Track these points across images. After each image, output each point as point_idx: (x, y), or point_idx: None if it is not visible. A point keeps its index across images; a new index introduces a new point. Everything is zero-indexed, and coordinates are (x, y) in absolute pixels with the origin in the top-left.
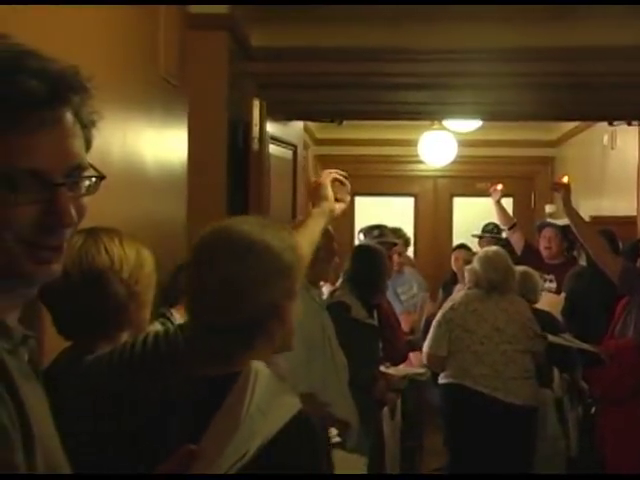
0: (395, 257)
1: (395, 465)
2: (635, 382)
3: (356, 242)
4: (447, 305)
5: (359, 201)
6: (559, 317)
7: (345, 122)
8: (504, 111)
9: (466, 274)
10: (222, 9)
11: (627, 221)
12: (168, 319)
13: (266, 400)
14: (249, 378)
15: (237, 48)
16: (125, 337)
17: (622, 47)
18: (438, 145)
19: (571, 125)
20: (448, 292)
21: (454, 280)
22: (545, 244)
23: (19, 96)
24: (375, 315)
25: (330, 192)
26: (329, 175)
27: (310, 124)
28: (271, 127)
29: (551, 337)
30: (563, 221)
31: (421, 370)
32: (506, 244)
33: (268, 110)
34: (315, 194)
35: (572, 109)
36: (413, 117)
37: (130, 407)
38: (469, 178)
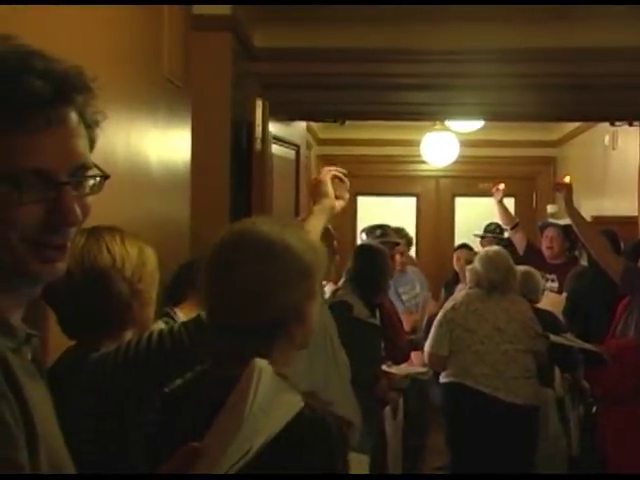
0: (397, 257)
1: (397, 464)
2: (636, 382)
3: (358, 242)
4: (448, 305)
5: (362, 201)
6: (561, 317)
7: (348, 122)
8: (506, 112)
9: (467, 274)
10: (225, 10)
11: (628, 221)
12: (172, 318)
13: (269, 399)
14: (252, 376)
15: (240, 49)
16: (129, 335)
17: (624, 48)
18: (440, 145)
19: (573, 126)
20: (450, 292)
21: (456, 280)
22: (547, 244)
23: (24, 96)
24: (377, 314)
25: (330, 189)
26: (329, 172)
27: (313, 124)
28: (274, 127)
29: (553, 337)
30: (565, 221)
31: (423, 369)
32: (508, 244)
33: (271, 110)
34: (316, 191)
35: (574, 110)
36: (415, 117)
37: (135, 405)
38: (471, 178)
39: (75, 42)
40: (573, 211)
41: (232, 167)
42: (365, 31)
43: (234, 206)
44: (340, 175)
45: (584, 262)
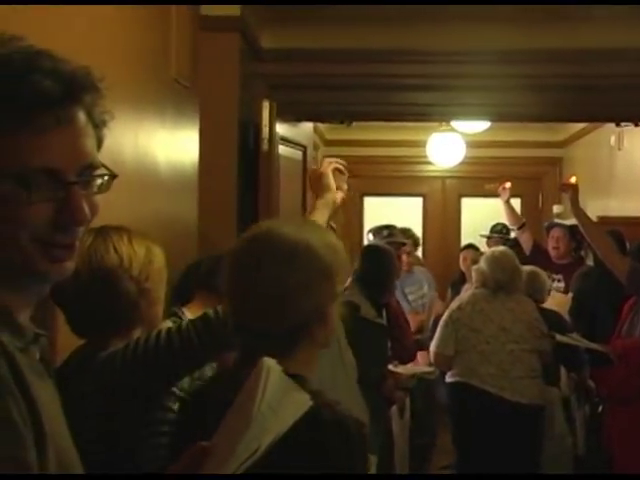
0: (404, 257)
1: (404, 464)
2: None
3: (365, 242)
4: (454, 305)
5: (368, 201)
6: (567, 317)
7: (354, 123)
8: (511, 112)
9: (473, 274)
10: (233, 11)
11: (634, 221)
12: (180, 318)
13: (277, 398)
14: (261, 375)
15: (247, 50)
16: (138, 334)
17: (629, 49)
18: (446, 146)
19: (578, 126)
20: (456, 292)
21: (462, 280)
22: (553, 244)
23: (33, 95)
24: (384, 314)
25: (333, 182)
26: (330, 164)
27: (320, 125)
28: (281, 128)
29: (559, 336)
30: (571, 221)
31: (430, 369)
32: (514, 244)
33: (278, 111)
34: (318, 184)
35: (579, 110)
36: (420, 118)
37: (143, 404)
38: (477, 179)
39: (82, 42)
40: (579, 211)
41: (239, 167)
42: (371, 32)
43: (241, 206)
44: (341, 167)
45: (590, 262)
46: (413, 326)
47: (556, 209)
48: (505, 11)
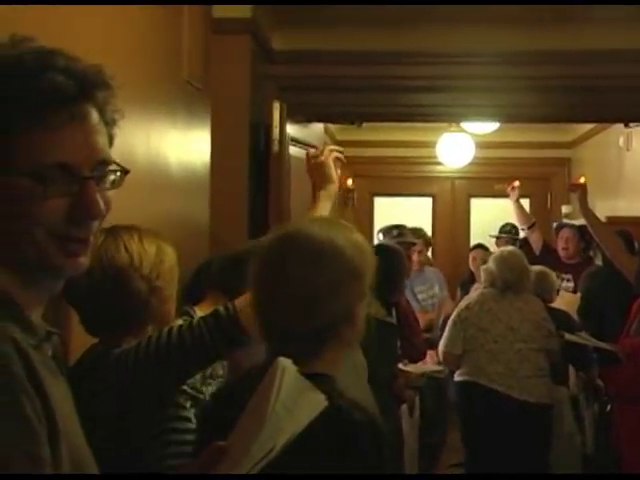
0: (414, 256)
1: (414, 462)
2: None
3: (375, 242)
4: (462, 304)
5: (378, 201)
6: (576, 316)
7: (365, 124)
8: (520, 113)
9: (482, 274)
10: (245, 13)
11: None
12: (191, 317)
13: (293, 397)
14: (276, 375)
15: (259, 51)
16: (149, 331)
17: (635, 50)
18: (456, 147)
19: (587, 127)
20: (466, 291)
21: (472, 279)
22: (563, 244)
23: (48, 93)
24: (394, 313)
25: (334, 173)
26: (331, 153)
27: (330, 126)
28: (292, 129)
29: (567, 335)
30: (579, 221)
31: (440, 368)
32: (524, 244)
33: (288, 112)
34: (319, 174)
35: (588, 111)
36: (431, 119)
37: (155, 402)
38: (486, 179)
39: (95, 42)
40: (588, 212)
41: (250, 168)
42: (380, 35)
43: (252, 207)
44: (341, 157)
45: (599, 262)
46: (422, 325)
47: (565, 209)
48: (511, 13)
